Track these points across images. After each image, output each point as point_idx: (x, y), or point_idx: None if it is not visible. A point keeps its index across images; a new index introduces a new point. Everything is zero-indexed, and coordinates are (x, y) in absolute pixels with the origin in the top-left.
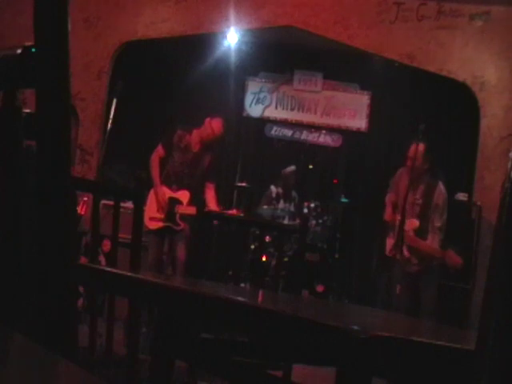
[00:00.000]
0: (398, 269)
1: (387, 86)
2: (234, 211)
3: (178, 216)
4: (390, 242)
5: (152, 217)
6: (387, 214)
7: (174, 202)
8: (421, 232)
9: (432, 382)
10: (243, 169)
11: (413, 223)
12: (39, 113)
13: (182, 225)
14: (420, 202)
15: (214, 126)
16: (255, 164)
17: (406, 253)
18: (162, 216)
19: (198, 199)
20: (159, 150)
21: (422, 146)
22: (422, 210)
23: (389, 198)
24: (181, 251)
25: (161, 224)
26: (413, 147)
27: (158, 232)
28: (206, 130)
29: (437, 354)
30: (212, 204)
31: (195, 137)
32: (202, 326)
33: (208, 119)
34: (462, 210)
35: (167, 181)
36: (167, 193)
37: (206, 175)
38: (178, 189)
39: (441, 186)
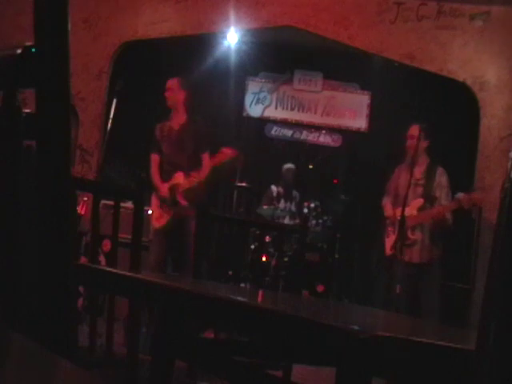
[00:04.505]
0: (399, 267)
1: (387, 86)
2: (227, 151)
3: (177, 196)
4: (389, 241)
5: (157, 216)
6: (387, 211)
7: (173, 189)
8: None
9: (432, 382)
10: (243, 169)
11: (417, 202)
12: (39, 113)
13: (183, 201)
14: (422, 182)
15: (170, 86)
16: (255, 164)
17: (411, 236)
18: (166, 211)
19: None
20: (154, 159)
21: (419, 126)
22: (426, 189)
23: (386, 200)
24: (189, 248)
25: (166, 218)
26: (412, 127)
27: (164, 229)
28: (168, 93)
29: (437, 354)
30: (203, 172)
31: (173, 113)
32: (202, 326)
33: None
34: (461, 209)
35: (164, 175)
36: (164, 187)
37: (198, 148)
38: (173, 175)
39: (441, 169)
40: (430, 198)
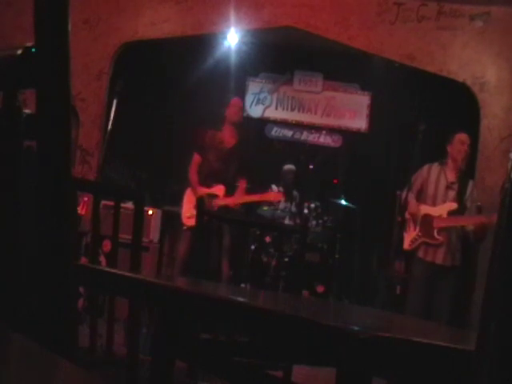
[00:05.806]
0: (419, 265)
1: (387, 86)
2: (273, 194)
3: (213, 207)
4: (408, 236)
5: (189, 215)
6: (410, 206)
7: (210, 196)
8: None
9: (432, 382)
10: (243, 169)
11: (449, 205)
12: (39, 113)
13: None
14: (456, 186)
15: (236, 103)
16: (255, 164)
17: (437, 236)
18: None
19: (232, 192)
20: (196, 158)
21: (467, 135)
22: (458, 195)
23: (410, 196)
24: (227, 240)
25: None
26: (460, 134)
27: (193, 229)
28: (233, 109)
29: (437, 354)
30: (239, 198)
31: (227, 127)
32: (202, 327)
33: (231, 102)
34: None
35: (203, 180)
36: (204, 190)
37: (239, 171)
38: (214, 184)
39: (472, 182)
40: (461, 205)
